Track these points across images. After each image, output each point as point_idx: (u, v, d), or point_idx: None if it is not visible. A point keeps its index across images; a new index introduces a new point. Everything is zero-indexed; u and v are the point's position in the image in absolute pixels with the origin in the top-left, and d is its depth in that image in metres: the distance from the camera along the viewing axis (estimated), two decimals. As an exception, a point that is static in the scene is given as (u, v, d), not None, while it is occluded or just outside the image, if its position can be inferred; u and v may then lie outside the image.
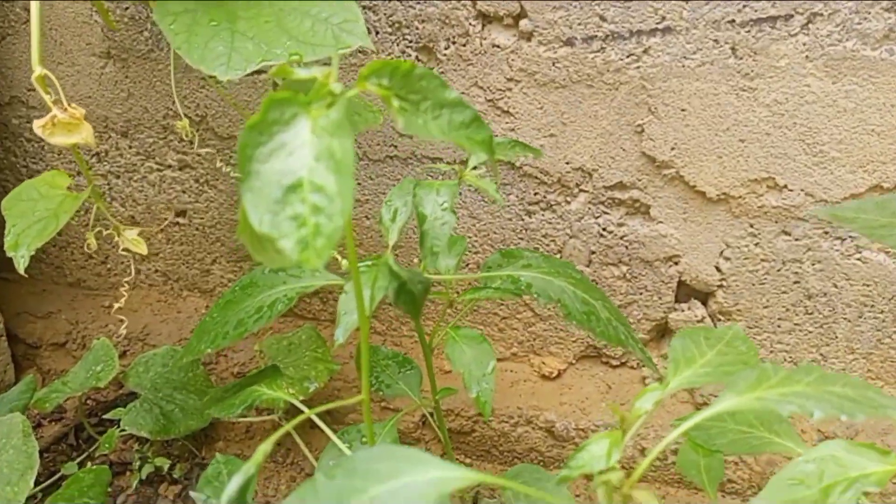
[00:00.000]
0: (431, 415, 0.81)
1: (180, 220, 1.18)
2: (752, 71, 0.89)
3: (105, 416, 0.95)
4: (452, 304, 0.63)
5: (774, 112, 0.90)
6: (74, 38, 1.06)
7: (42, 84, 0.60)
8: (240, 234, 0.37)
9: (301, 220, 0.30)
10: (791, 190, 0.93)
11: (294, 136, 0.31)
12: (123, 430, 0.92)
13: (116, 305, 0.82)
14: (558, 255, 1.05)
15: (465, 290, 0.63)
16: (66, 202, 0.67)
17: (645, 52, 0.90)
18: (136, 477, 0.96)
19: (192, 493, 0.64)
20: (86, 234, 0.75)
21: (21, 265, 0.63)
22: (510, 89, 0.96)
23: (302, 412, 0.52)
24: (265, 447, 0.42)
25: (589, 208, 1.01)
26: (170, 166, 1.14)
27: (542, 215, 1.03)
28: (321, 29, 0.62)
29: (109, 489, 0.97)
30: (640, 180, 0.98)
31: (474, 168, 0.60)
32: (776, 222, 0.96)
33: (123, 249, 0.76)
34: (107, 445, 0.84)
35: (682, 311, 1.04)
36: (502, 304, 1.08)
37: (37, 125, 0.61)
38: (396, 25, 0.95)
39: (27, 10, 1.09)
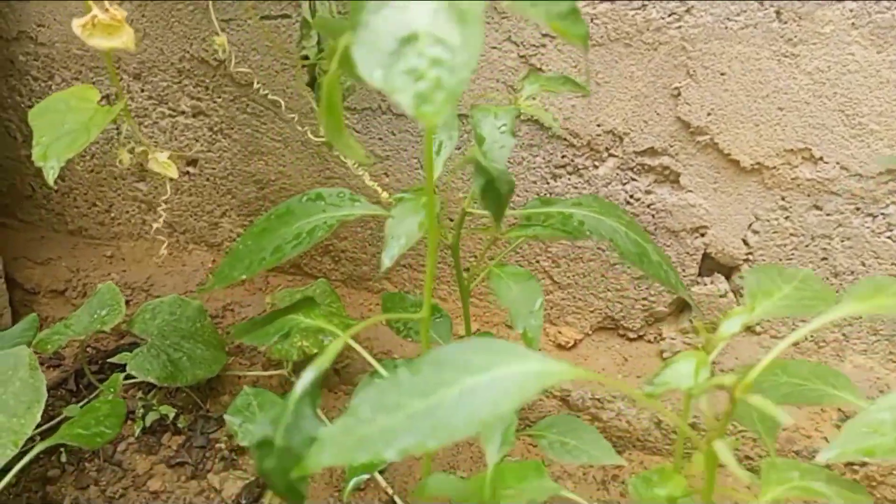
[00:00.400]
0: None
1: (190, 169, 1.14)
2: (796, 36, 0.87)
3: (109, 361, 0.91)
4: (496, 241, 0.60)
5: (815, 80, 0.88)
6: (92, -32, 1.02)
7: (81, -21, 0.56)
8: (320, 115, 0.34)
9: (418, 73, 0.27)
10: (826, 162, 0.92)
11: (406, -14, 0.28)
12: (129, 377, 0.88)
13: (161, 209, 0.78)
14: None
15: (509, 228, 0.60)
16: (98, 116, 0.63)
17: (687, 11, 0.88)
18: (139, 424, 0.93)
19: (226, 416, 0.61)
20: (118, 151, 0.71)
21: (51, 177, 0.60)
22: (545, 45, 0.93)
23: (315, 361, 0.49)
24: (337, 345, 0.39)
25: (617, 174, 0.99)
26: (183, 112, 1.10)
27: (568, 179, 1.00)
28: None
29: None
30: (671, 146, 0.95)
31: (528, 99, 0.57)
32: (808, 196, 0.94)
33: (154, 171, 0.73)
34: (111, 389, 0.81)
35: (705, 284, 1.02)
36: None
37: (76, 24, 0.58)
38: (433, -29, 0.92)
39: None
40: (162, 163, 0.72)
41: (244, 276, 0.55)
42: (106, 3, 0.58)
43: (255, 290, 1.14)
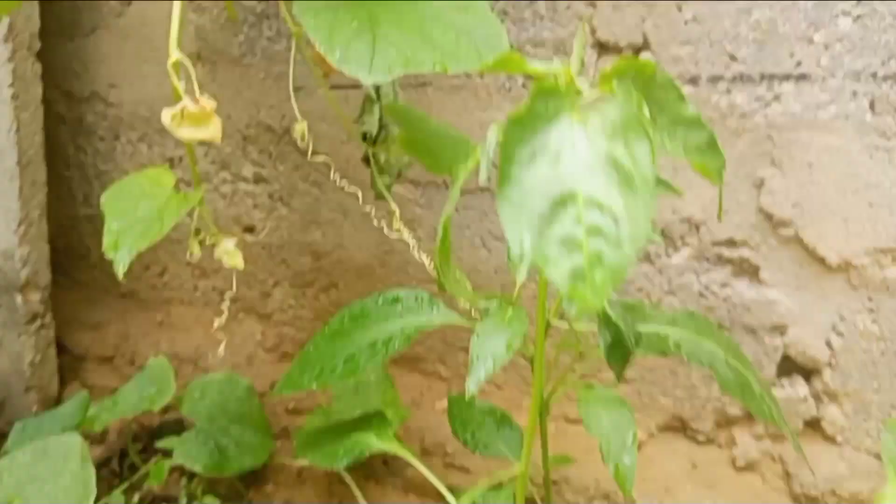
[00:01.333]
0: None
1: (247, 236, 1.12)
2: (891, 130, 0.82)
3: (157, 446, 0.87)
4: (582, 356, 0.56)
5: (911, 177, 0.83)
6: (165, 35, 1.02)
7: (177, 71, 0.56)
8: (435, 254, 0.30)
9: (575, 243, 0.23)
10: (920, 264, 0.85)
11: (559, 137, 0.24)
12: (175, 464, 0.84)
13: (217, 322, 0.75)
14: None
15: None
16: (172, 203, 0.60)
17: (775, 98, 0.84)
18: (182, 513, 0.88)
19: None
20: (189, 241, 0.69)
21: (121, 269, 0.57)
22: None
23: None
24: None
25: (692, 264, 0.94)
26: (244, 178, 1.08)
27: (640, 267, 0.95)
28: (465, 42, 0.56)
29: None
30: (752, 238, 0.90)
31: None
32: (899, 298, 0.88)
33: (217, 259, 0.70)
34: (155, 479, 0.77)
35: (783, 387, 0.95)
36: (585, 359, 1.00)
37: (165, 115, 0.56)
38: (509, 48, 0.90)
39: (122, 2, 1.05)
40: (230, 252, 0.69)
41: (314, 386, 0.51)
42: (196, 93, 0.57)
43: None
